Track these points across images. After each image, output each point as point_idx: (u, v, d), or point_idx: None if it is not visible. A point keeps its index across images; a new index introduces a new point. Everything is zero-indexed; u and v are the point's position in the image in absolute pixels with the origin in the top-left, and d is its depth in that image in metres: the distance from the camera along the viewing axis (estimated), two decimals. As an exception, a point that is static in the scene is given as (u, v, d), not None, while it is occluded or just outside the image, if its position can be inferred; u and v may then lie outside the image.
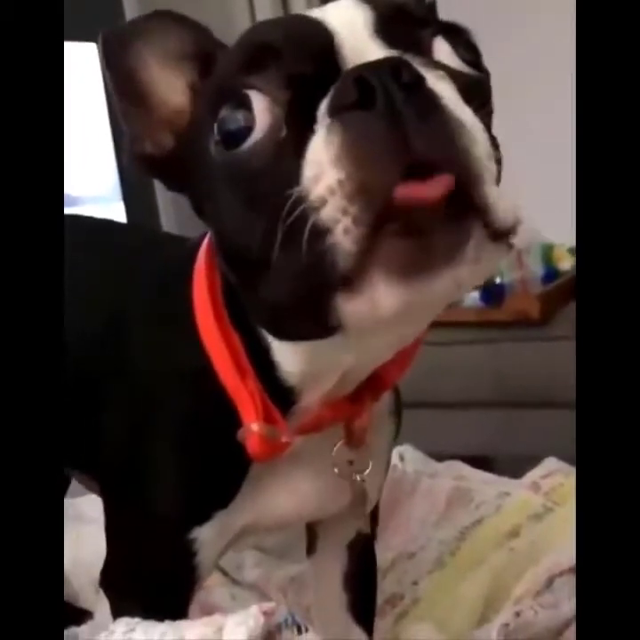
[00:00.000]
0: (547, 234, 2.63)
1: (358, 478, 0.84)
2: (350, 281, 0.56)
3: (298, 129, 0.60)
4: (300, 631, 0.64)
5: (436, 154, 0.56)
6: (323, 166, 0.56)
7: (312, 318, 0.60)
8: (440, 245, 0.56)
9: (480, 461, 1.69)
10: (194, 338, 0.77)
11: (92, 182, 2.87)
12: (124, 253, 0.98)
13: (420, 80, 0.57)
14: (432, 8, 0.73)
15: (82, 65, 2.64)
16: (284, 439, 0.75)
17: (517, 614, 1.07)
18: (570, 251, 2.69)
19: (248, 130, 0.61)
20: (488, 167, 0.58)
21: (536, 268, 2.62)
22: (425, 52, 0.64)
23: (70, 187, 2.73)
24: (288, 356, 0.73)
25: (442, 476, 1.55)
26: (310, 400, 0.76)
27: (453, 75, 0.62)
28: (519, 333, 2.22)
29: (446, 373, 2.26)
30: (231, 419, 0.76)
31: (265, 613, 0.63)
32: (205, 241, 0.80)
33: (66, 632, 1.18)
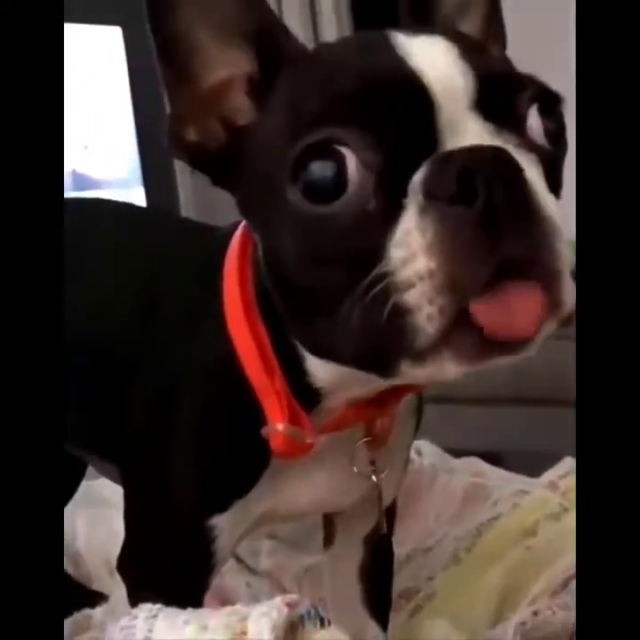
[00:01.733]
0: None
1: (375, 478, 0.84)
2: (422, 356, 0.59)
3: (389, 202, 0.59)
4: (322, 624, 0.63)
5: (529, 256, 0.57)
6: (414, 251, 0.57)
7: (372, 367, 0.63)
8: (512, 344, 0.59)
9: (496, 458, 1.68)
10: (222, 331, 0.77)
11: (112, 166, 2.87)
12: (157, 240, 0.98)
13: (519, 176, 0.58)
14: None
15: (106, 49, 2.64)
16: (308, 440, 0.75)
17: (535, 613, 1.07)
18: (572, 244, 2.67)
19: (338, 191, 0.60)
20: (569, 261, 0.59)
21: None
22: (519, 125, 0.63)
23: (91, 170, 2.73)
24: (323, 368, 0.73)
25: (459, 472, 1.54)
26: (336, 402, 0.77)
27: (541, 153, 0.63)
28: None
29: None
30: (254, 412, 0.76)
31: (288, 605, 0.62)
32: (239, 233, 0.79)
33: (80, 614, 1.18)
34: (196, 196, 2.67)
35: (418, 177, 0.59)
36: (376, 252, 0.59)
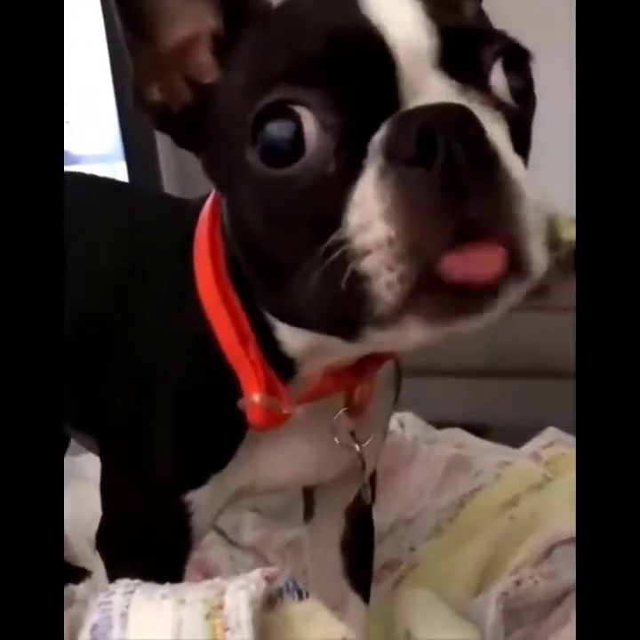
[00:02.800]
0: (549, 203, 2.61)
1: (357, 447, 0.84)
2: (384, 321, 0.57)
3: (348, 164, 0.58)
4: (300, 596, 0.63)
5: (491, 217, 0.56)
6: (371, 217, 0.56)
7: (336, 332, 0.61)
8: (476, 300, 0.57)
9: (479, 430, 1.68)
10: (197, 304, 0.76)
11: (93, 141, 2.85)
12: (137, 215, 0.97)
13: (481, 136, 0.56)
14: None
15: (84, 21, 2.60)
16: (285, 411, 0.75)
17: (517, 583, 1.08)
18: (572, 220, 2.67)
19: (296, 153, 0.59)
20: (535, 223, 0.58)
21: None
22: (484, 81, 0.62)
23: (72, 145, 2.71)
24: (293, 336, 0.72)
25: (441, 443, 1.55)
26: (312, 370, 0.76)
27: (506, 111, 0.61)
28: (523, 302, 2.20)
29: (447, 341, 2.25)
30: (229, 384, 0.75)
31: (266, 578, 0.62)
32: (209, 203, 0.78)
33: (64, 590, 1.18)
34: (179, 171, 2.65)
35: (377, 137, 0.57)
36: (335, 216, 0.57)
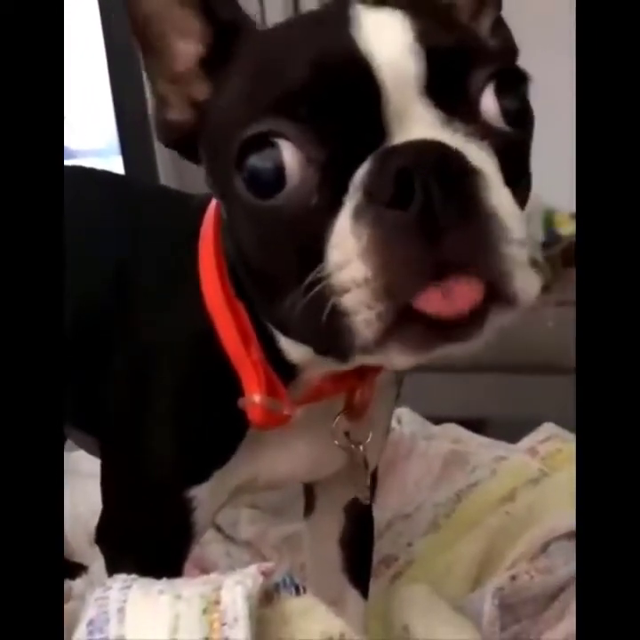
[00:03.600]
0: (547, 199, 2.61)
1: (360, 448, 0.84)
2: (367, 350, 0.58)
3: (330, 198, 0.58)
4: (297, 592, 0.63)
5: (469, 258, 0.56)
6: (350, 255, 0.56)
7: (325, 355, 0.62)
8: (457, 330, 0.57)
9: (476, 425, 1.68)
10: (198, 302, 0.76)
11: (90, 135, 2.84)
12: (136, 208, 0.96)
13: (462, 175, 0.56)
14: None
15: (82, 18, 2.60)
16: (285, 412, 0.75)
17: (513, 578, 1.08)
18: (571, 216, 2.67)
19: (277, 185, 0.59)
20: (519, 260, 0.57)
21: (537, 234, 2.60)
22: (473, 106, 0.61)
23: (69, 140, 2.70)
24: (292, 345, 0.72)
25: (438, 438, 1.55)
26: (313, 374, 0.76)
27: (497, 137, 0.61)
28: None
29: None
30: (231, 382, 0.75)
31: (263, 573, 0.62)
32: (213, 204, 0.78)
33: (60, 585, 1.18)
34: (175, 165, 2.64)
35: (359, 174, 0.57)
36: (318, 249, 0.58)
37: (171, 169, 2.69)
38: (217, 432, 0.80)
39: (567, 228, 2.70)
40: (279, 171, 0.59)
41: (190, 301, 0.77)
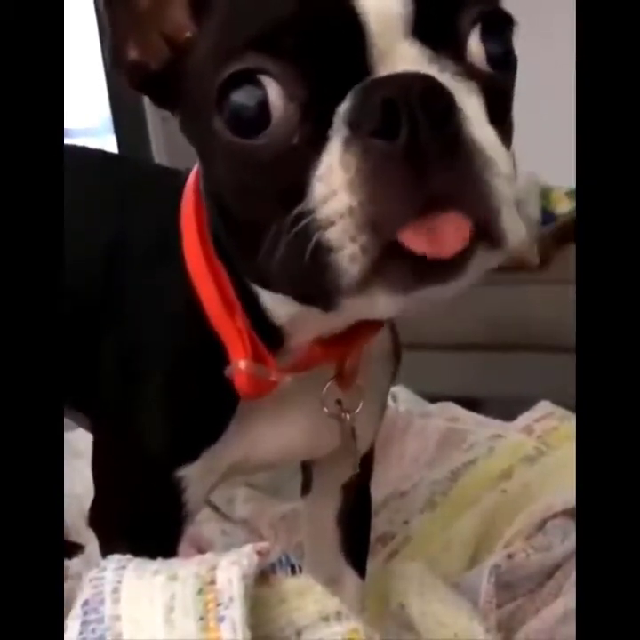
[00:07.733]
0: (544, 176, 2.60)
1: (348, 417, 0.83)
2: (351, 291, 0.57)
3: (313, 135, 0.57)
4: (293, 571, 0.63)
5: (456, 193, 0.55)
6: (335, 188, 0.55)
7: (308, 301, 0.62)
8: (443, 270, 0.56)
9: (472, 403, 1.69)
10: (183, 272, 0.76)
11: (83, 114, 2.83)
12: (123, 185, 0.96)
13: (448, 107, 0.55)
14: None
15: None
16: (272, 378, 0.74)
17: (509, 556, 1.08)
18: (568, 193, 2.66)
19: (261, 123, 0.58)
20: (507, 197, 0.57)
21: (534, 212, 2.59)
22: (460, 48, 0.60)
23: (62, 118, 2.68)
24: (276, 304, 0.72)
25: (435, 416, 1.55)
26: (300, 340, 0.75)
27: (482, 79, 0.60)
28: (515, 276, 2.19)
29: (441, 315, 2.25)
30: (219, 356, 0.75)
31: (259, 553, 0.62)
32: (193, 173, 0.77)
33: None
34: (168, 144, 2.63)
35: (343, 107, 0.56)
36: (301, 187, 0.57)
37: (164, 147, 2.68)
38: (207, 407, 0.79)
39: (564, 207, 2.70)
40: (263, 108, 0.58)
41: (175, 273, 0.77)
